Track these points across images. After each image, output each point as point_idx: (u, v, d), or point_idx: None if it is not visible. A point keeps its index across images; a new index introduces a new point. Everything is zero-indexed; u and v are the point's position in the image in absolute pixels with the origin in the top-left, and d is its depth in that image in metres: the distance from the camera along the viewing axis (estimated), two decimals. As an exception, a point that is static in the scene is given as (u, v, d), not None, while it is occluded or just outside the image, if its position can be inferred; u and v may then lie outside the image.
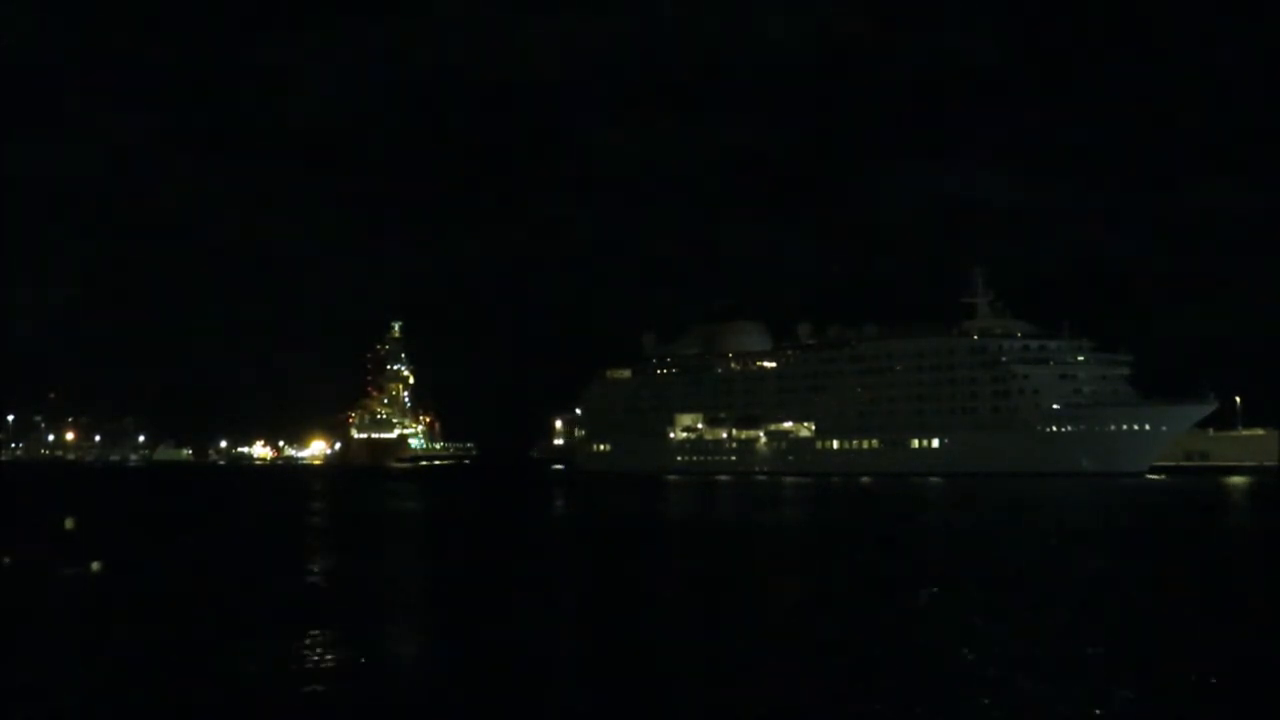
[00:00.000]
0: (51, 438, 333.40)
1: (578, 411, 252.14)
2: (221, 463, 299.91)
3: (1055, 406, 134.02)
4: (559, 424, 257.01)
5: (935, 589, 29.73)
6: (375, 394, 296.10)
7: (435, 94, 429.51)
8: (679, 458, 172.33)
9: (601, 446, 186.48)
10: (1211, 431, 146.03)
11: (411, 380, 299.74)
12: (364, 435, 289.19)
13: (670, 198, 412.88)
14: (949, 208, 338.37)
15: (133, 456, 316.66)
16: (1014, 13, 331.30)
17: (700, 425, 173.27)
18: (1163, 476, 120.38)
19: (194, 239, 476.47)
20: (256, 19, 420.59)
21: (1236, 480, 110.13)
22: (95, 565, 36.67)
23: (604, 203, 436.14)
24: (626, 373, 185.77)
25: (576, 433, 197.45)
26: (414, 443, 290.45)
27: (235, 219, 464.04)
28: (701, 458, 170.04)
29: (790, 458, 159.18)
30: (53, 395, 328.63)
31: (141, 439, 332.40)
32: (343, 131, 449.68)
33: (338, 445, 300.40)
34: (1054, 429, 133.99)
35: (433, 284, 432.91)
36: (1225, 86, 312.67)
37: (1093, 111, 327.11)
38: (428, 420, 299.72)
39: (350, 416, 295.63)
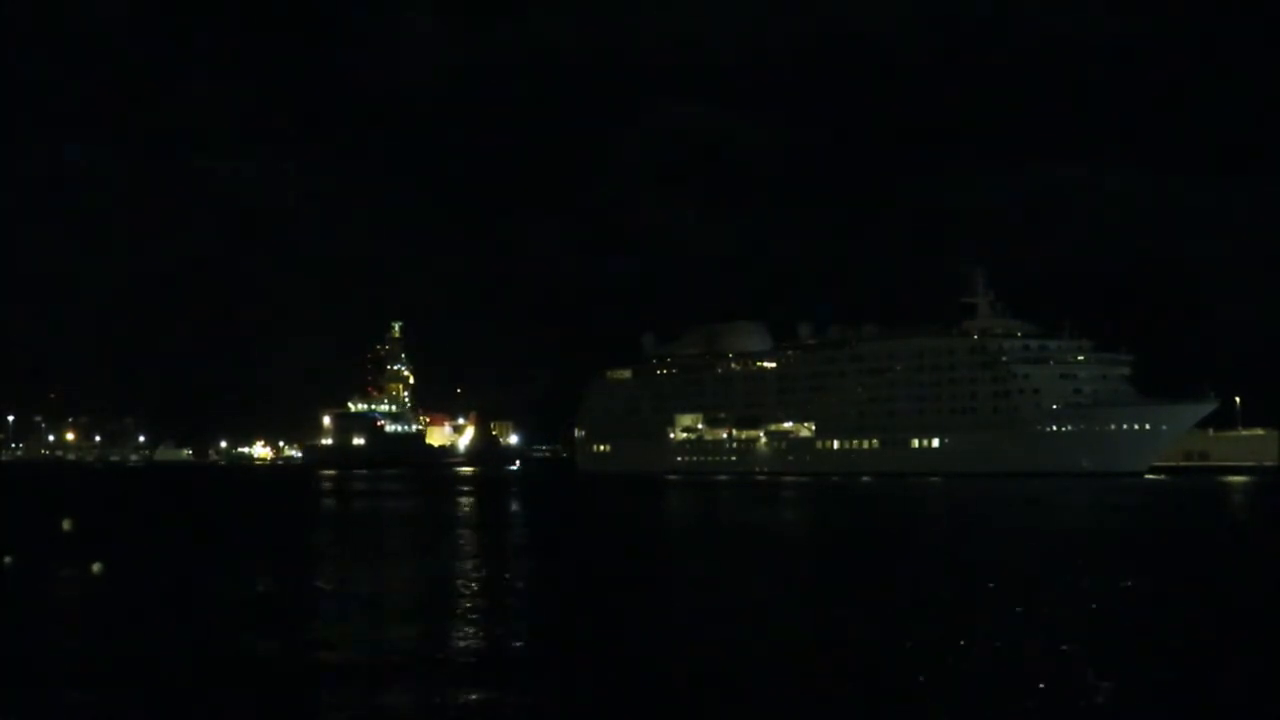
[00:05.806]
0: (51, 438, 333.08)
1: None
2: (221, 463, 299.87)
3: (1055, 406, 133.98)
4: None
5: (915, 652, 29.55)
6: (375, 394, 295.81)
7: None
8: (679, 458, 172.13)
9: (601, 447, 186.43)
10: (1211, 431, 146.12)
11: (411, 380, 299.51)
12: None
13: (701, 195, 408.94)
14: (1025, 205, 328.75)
15: (133, 456, 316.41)
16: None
17: (700, 425, 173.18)
18: (1162, 476, 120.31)
19: (195, 239, 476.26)
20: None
21: (1236, 480, 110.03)
22: (95, 566, 36.67)
23: (611, 201, 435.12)
24: (626, 373, 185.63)
25: (576, 433, 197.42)
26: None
27: (240, 218, 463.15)
28: (702, 458, 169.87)
29: (790, 458, 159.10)
30: (53, 395, 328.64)
31: (141, 439, 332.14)
32: (343, 131, 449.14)
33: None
34: (1054, 429, 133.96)
35: (432, 284, 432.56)
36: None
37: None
38: (428, 421, 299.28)
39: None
